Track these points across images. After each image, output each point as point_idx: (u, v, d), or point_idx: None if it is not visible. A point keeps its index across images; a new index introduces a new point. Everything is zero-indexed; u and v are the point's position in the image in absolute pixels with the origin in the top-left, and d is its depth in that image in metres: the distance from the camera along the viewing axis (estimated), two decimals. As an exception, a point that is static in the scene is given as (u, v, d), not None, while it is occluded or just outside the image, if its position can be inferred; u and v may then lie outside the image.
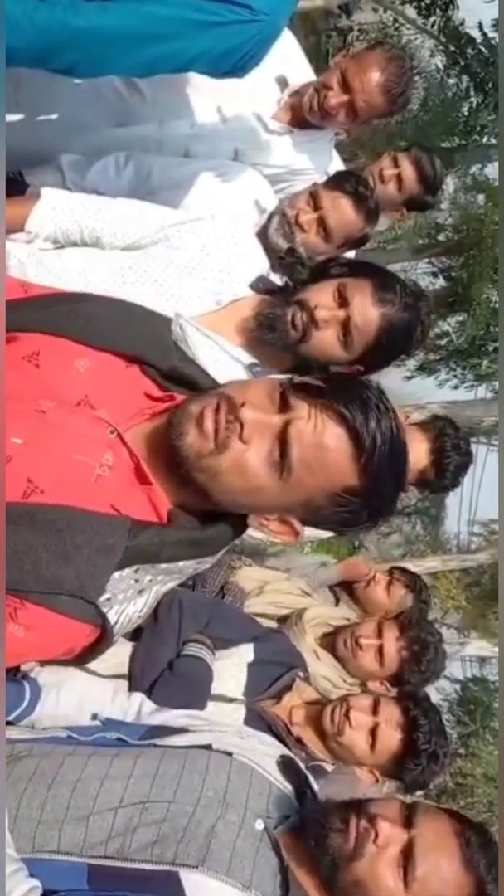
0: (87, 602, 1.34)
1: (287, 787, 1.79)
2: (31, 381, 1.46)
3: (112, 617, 1.38)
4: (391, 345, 2.31)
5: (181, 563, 1.46)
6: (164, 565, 1.42)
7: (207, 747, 1.74)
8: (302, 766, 1.89)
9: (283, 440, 1.36)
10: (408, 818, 1.68)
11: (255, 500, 1.42)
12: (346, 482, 1.38)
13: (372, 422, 1.35)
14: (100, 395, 1.48)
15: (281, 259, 2.54)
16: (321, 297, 2.29)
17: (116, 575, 1.36)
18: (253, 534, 2.75)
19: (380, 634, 2.87)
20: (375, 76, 2.93)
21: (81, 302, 1.60)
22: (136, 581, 1.40)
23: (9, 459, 1.35)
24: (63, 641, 1.39)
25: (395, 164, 3.41)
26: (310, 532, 2.90)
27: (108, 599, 1.37)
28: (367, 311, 2.26)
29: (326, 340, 2.26)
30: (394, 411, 1.39)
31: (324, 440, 1.36)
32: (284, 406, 1.39)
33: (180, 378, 1.56)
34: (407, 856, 1.64)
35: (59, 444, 1.39)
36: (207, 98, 2.92)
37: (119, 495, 1.40)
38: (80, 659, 1.47)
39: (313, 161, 3.12)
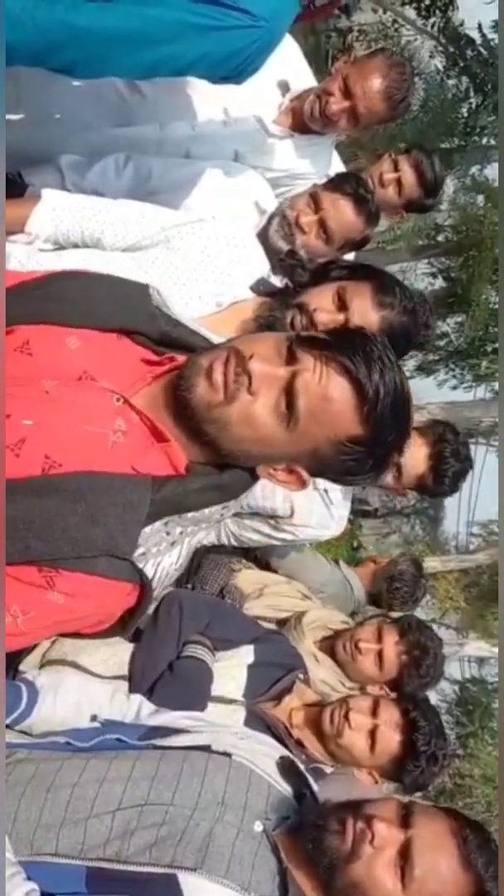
0: (122, 559, 1.38)
1: (286, 788, 1.78)
2: (28, 368, 1.48)
3: (149, 571, 1.42)
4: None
5: (207, 510, 1.49)
6: (191, 514, 1.46)
7: (206, 748, 1.74)
8: (301, 766, 1.89)
9: (289, 391, 1.41)
10: (405, 818, 1.68)
11: (264, 449, 1.46)
12: (350, 432, 1.42)
13: (375, 374, 1.39)
14: (98, 367, 1.51)
15: (281, 261, 2.53)
16: (321, 300, 2.28)
17: (147, 529, 1.40)
18: (252, 536, 2.77)
19: (380, 639, 2.87)
20: (377, 83, 2.95)
21: (52, 283, 1.61)
22: (168, 534, 1.44)
23: (23, 441, 1.38)
24: (103, 604, 1.42)
25: (395, 167, 3.41)
26: (310, 533, 2.90)
27: (143, 554, 1.41)
28: (367, 314, 2.25)
29: None
30: (397, 365, 1.44)
31: (328, 391, 1.41)
32: (291, 359, 1.43)
33: (171, 342, 1.59)
34: (404, 856, 1.63)
35: (69, 419, 1.42)
36: (209, 100, 2.92)
37: (137, 457, 1.44)
38: (123, 626, 1.50)
39: (314, 165, 3.12)
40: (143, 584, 1.43)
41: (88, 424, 1.43)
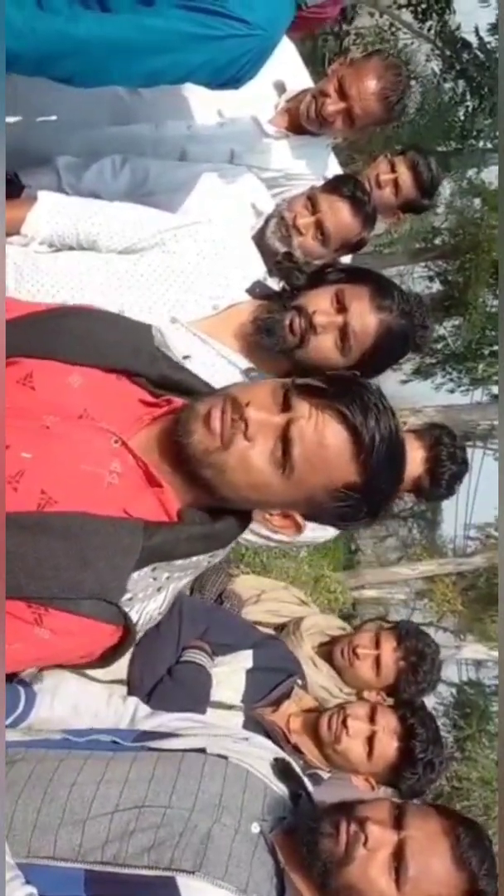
0: (109, 603, 1.39)
1: (282, 788, 1.79)
2: (29, 402, 1.49)
3: (134, 616, 1.43)
4: (388, 351, 2.30)
5: (195, 558, 1.50)
6: (179, 561, 1.47)
7: (202, 751, 1.74)
8: (296, 766, 1.89)
9: (285, 438, 1.41)
10: (398, 819, 1.69)
11: (260, 496, 1.46)
12: (346, 479, 1.42)
13: (371, 420, 1.39)
14: (98, 407, 1.52)
15: (278, 264, 2.53)
16: (320, 302, 2.28)
17: (135, 575, 1.40)
18: (250, 538, 2.76)
19: (377, 645, 2.86)
20: (372, 84, 2.94)
21: (59, 318, 1.62)
22: (154, 579, 1.45)
23: (21, 474, 1.38)
24: (87, 643, 1.43)
25: (392, 168, 3.40)
26: (307, 536, 2.90)
27: (130, 599, 1.41)
28: (366, 317, 2.24)
29: (324, 346, 2.25)
30: (392, 411, 1.44)
31: (325, 438, 1.41)
32: (287, 406, 1.44)
33: (170, 384, 1.59)
34: (398, 858, 1.64)
35: (67, 456, 1.43)
36: (205, 100, 2.92)
37: (130, 500, 1.44)
38: (103, 660, 1.50)
39: (310, 166, 3.13)
40: (128, 628, 1.44)
41: (85, 463, 1.44)
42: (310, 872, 1.63)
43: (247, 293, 2.45)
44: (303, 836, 1.66)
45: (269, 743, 2.02)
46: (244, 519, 1.55)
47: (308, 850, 1.64)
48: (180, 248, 2.42)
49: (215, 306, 2.41)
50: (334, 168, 3.29)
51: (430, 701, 3.15)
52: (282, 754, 1.92)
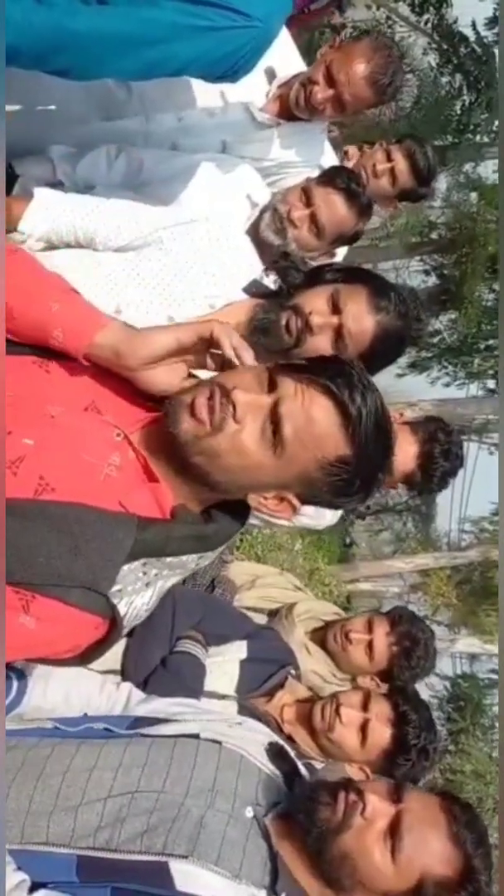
0: (98, 594, 1.40)
1: (276, 773, 1.80)
2: (39, 384, 1.52)
3: (122, 608, 1.45)
4: (385, 352, 2.29)
5: (184, 557, 1.52)
6: (169, 559, 1.49)
7: (196, 736, 1.75)
8: (291, 752, 1.90)
9: (274, 418, 1.44)
10: (396, 793, 1.71)
11: (254, 477, 1.48)
12: (337, 452, 1.44)
13: (356, 395, 1.43)
14: (105, 401, 1.55)
15: (275, 263, 2.52)
16: (315, 302, 2.26)
17: (126, 567, 1.43)
18: (251, 521, 2.76)
19: (370, 629, 2.88)
20: (361, 68, 2.83)
21: None
22: (144, 574, 1.47)
23: (21, 459, 1.41)
24: (72, 634, 1.45)
25: (388, 157, 3.36)
26: (305, 522, 2.89)
27: (119, 591, 1.43)
28: (362, 318, 2.23)
29: (320, 347, 2.23)
30: (375, 387, 1.47)
31: (312, 413, 1.44)
32: (272, 386, 1.47)
33: None
34: (394, 829, 1.65)
35: (68, 445, 1.46)
36: (194, 91, 2.89)
37: (126, 493, 1.47)
38: (86, 656, 1.51)
39: (304, 154, 3.05)
40: (114, 620, 1.46)
41: (85, 453, 1.47)
42: (305, 853, 1.64)
43: (243, 292, 2.45)
44: (300, 806, 1.68)
45: (263, 727, 2.02)
46: (237, 523, 1.58)
47: (306, 817, 1.66)
48: (177, 246, 2.42)
49: (212, 305, 2.40)
50: (329, 155, 3.23)
51: (424, 694, 3.16)
52: (276, 738, 1.93)
